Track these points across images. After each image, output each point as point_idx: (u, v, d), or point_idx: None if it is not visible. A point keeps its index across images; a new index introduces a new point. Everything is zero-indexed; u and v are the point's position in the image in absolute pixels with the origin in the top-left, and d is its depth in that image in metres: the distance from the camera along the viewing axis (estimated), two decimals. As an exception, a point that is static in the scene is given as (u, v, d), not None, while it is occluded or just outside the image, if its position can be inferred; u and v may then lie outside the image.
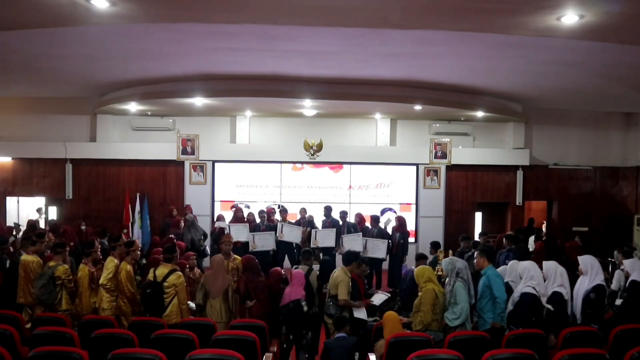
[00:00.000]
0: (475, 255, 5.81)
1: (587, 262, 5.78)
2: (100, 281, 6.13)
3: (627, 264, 6.30)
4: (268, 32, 6.34)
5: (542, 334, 4.94)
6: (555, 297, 5.53)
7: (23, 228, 10.06)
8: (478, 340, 4.84)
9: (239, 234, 9.27)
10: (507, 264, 6.41)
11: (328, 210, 10.08)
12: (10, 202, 12.10)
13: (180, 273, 5.93)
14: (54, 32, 6.27)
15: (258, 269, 6.21)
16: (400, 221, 9.85)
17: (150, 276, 5.90)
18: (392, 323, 5.18)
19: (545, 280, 5.71)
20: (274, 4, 5.32)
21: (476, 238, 9.99)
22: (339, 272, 6.04)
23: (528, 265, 5.65)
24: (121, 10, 5.38)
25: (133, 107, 10.98)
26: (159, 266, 6.00)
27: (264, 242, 9.21)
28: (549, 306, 5.40)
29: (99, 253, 6.72)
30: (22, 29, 6.15)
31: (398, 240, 9.52)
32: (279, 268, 6.75)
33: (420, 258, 7.06)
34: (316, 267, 7.24)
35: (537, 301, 5.34)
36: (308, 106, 10.57)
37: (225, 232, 9.14)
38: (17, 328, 5.08)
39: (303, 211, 10.20)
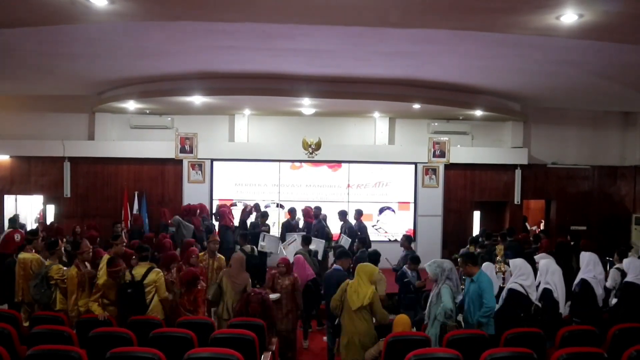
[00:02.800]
0: (459, 263, 5.81)
1: (584, 258, 5.86)
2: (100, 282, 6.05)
3: (624, 263, 6.33)
4: (267, 31, 6.32)
5: (540, 333, 4.95)
6: (545, 294, 5.54)
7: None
8: (477, 339, 4.85)
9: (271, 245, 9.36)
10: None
11: (343, 215, 10.12)
12: (8, 200, 12.07)
13: (158, 270, 6.00)
14: (53, 30, 6.24)
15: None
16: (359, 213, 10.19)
17: (127, 277, 5.89)
18: (402, 328, 5.10)
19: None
20: (273, 3, 5.31)
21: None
22: None
23: (519, 262, 5.68)
24: (120, 8, 5.37)
25: (131, 105, 10.95)
26: (136, 266, 6.00)
27: (271, 244, 9.29)
28: (538, 303, 5.40)
29: (89, 255, 6.53)
30: (20, 26, 6.13)
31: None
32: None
33: (414, 261, 7.06)
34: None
35: (522, 297, 5.35)
36: (307, 105, 10.56)
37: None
38: (15, 326, 5.07)
39: (293, 211, 10.19)
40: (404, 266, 7.13)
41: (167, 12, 5.69)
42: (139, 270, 5.90)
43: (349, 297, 5.18)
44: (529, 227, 12.87)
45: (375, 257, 6.76)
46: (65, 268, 6.35)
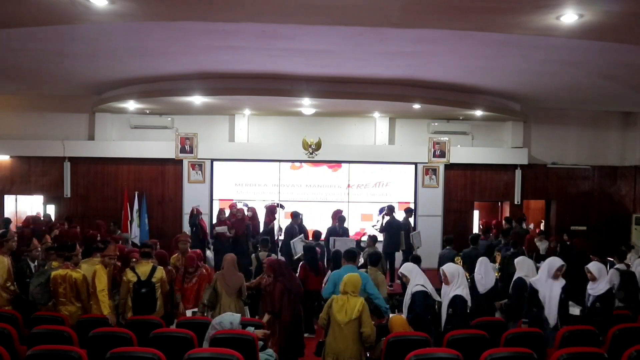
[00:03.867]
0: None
1: (601, 269, 5.85)
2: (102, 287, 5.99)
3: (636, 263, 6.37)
4: (266, 31, 6.32)
5: (540, 333, 4.96)
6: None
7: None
8: (477, 339, 4.85)
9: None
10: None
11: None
12: (8, 200, 12.08)
13: (161, 267, 6.07)
14: (53, 30, 6.24)
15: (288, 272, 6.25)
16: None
17: (131, 277, 5.85)
18: (402, 328, 5.10)
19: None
20: (272, 3, 5.31)
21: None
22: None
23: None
24: (120, 8, 5.37)
25: (131, 105, 10.95)
26: (138, 265, 5.99)
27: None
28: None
29: (79, 256, 6.49)
30: (20, 26, 6.13)
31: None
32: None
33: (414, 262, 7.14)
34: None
35: (428, 297, 5.42)
36: (307, 105, 10.55)
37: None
38: (16, 327, 5.07)
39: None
40: None
41: (167, 12, 5.69)
42: (143, 270, 5.90)
43: (336, 313, 4.82)
44: (525, 227, 12.81)
45: (376, 258, 6.74)
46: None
